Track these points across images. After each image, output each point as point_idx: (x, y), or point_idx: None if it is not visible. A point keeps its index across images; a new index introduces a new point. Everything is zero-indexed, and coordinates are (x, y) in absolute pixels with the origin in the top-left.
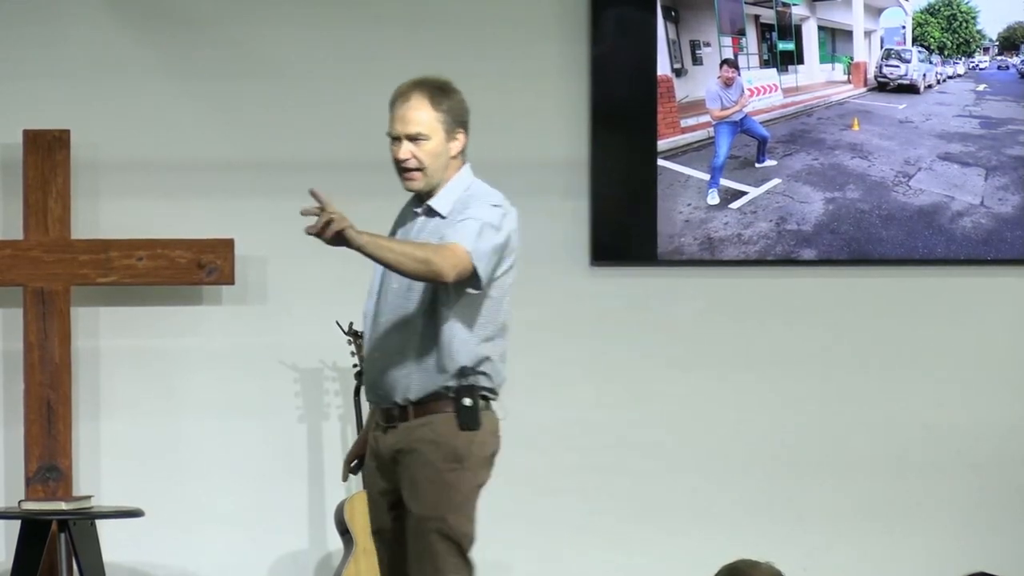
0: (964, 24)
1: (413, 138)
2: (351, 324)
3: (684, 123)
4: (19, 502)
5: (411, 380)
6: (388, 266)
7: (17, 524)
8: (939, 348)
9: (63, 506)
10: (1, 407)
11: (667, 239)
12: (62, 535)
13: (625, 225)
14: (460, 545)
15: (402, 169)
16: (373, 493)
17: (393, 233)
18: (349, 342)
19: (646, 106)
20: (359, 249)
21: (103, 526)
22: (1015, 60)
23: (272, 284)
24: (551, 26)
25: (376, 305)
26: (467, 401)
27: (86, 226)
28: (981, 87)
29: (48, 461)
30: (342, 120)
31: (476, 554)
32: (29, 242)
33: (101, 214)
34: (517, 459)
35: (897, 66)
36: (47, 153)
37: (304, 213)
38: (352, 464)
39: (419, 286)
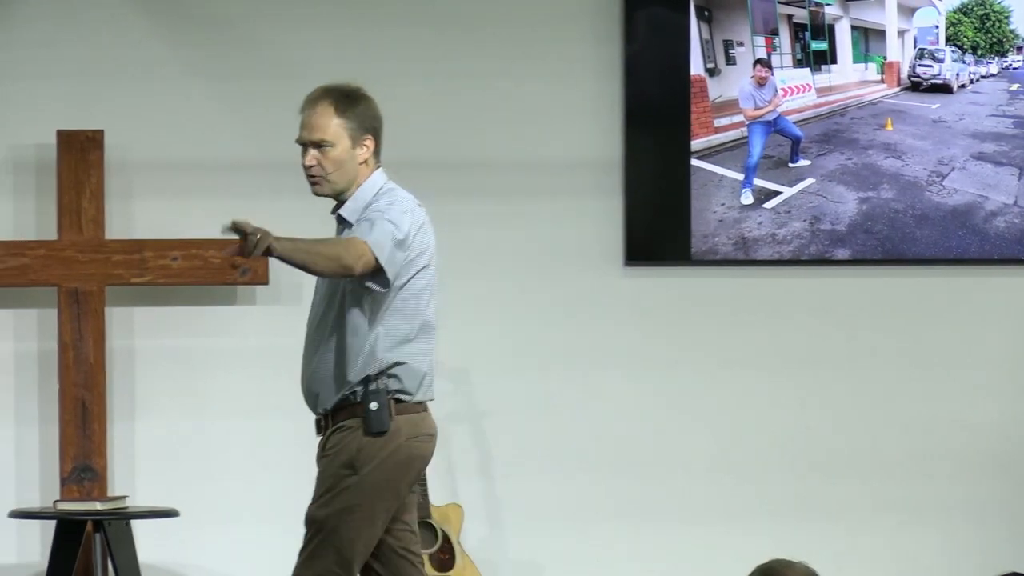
0: (997, 23)
1: (317, 145)
2: None
3: (717, 123)
4: (54, 502)
5: (326, 389)
6: (303, 268)
7: (52, 524)
8: (972, 347)
9: (98, 506)
10: (36, 407)
11: (701, 239)
12: (97, 535)
13: (659, 225)
14: (339, 548)
15: (309, 176)
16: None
17: None
18: None
19: (680, 106)
20: (279, 257)
21: (138, 526)
22: None
23: (306, 284)
24: (584, 26)
25: (311, 310)
26: (373, 406)
27: (120, 226)
28: (1015, 87)
29: (83, 461)
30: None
31: (511, 554)
32: (63, 242)
33: (135, 214)
34: (552, 458)
35: (930, 66)
36: (81, 153)
37: (225, 231)
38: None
39: (333, 296)
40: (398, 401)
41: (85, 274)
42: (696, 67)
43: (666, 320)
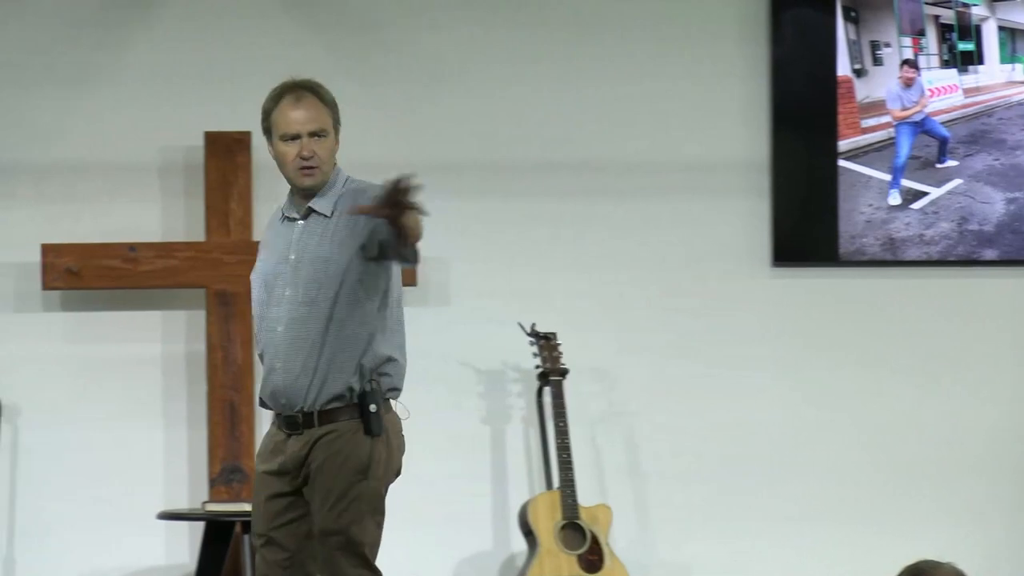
0: None
1: (315, 134)
2: (533, 325)
3: (864, 123)
4: (203, 503)
5: (314, 388)
6: (406, 236)
7: (201, 526)
8: None
9: (246, 507)
10: (184, 409)
11: (848, 240)
12: (246, 536)
13: (806, 226)
14: (363, 556)
15: (305, 166)
16: (263, 498)
17: (267, 246)
18: (531, 343)
19: (826, 107)
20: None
21: None
22: None
23: (454, 286)
24: (731, 27)
25: (266, 310)
26: (372, 407)
27: None
28: None
29: (231, 462)
30: (521, 122)
31: (660, 555)
32: (211, 244)
33: None
34: (700, 459)
35: None
36: (228, 155)
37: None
38: None
39: (320, 295)
40: (385, 400)
41: (233, 275)
42: (843, 68)
43: (813, 321)
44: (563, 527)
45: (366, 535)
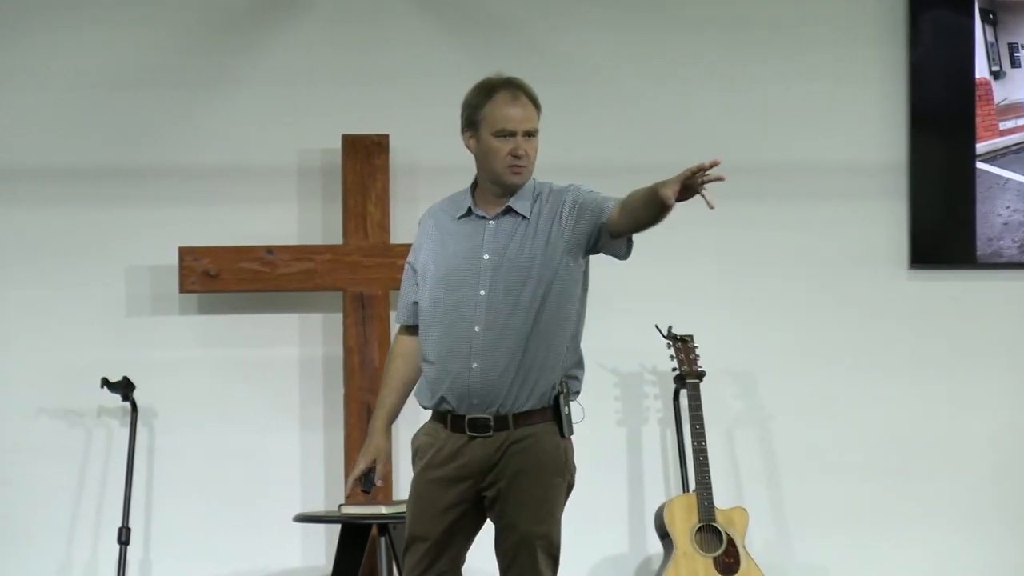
0: None
1: (529, 134)
2: (670, 328)
3: (1003, 125)
4: (339, 506)
5: (514, 388)
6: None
7: (337, 528)
8: None
9: (383, 510)
10: (321, 411)
11: (986, 242)
12: (382, 539)
13: (944, 228)
14: (556, 558)
15: (516, 164)
16: (435, 504)
17: (443, 243)
18: (669, 346)
19: (964, 109)
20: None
21: None
22: None
23: (592, 287)
24: (869, 29)
25: (452, 309)
26: (566, 410)
27: (405, 230)
28: None
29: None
30: (661, 124)
31: (796, 557)
32: (349, 247)
33: (419, 218)
34: (836, 461)
35: None
36: (366, 158)
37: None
38: (361, 478)
39: (524, 296)
40: (573, 401)
41: (370, 278)
42: (981, 70)
43: (951, 323)
44: (699, 529)
45: (559, 535)
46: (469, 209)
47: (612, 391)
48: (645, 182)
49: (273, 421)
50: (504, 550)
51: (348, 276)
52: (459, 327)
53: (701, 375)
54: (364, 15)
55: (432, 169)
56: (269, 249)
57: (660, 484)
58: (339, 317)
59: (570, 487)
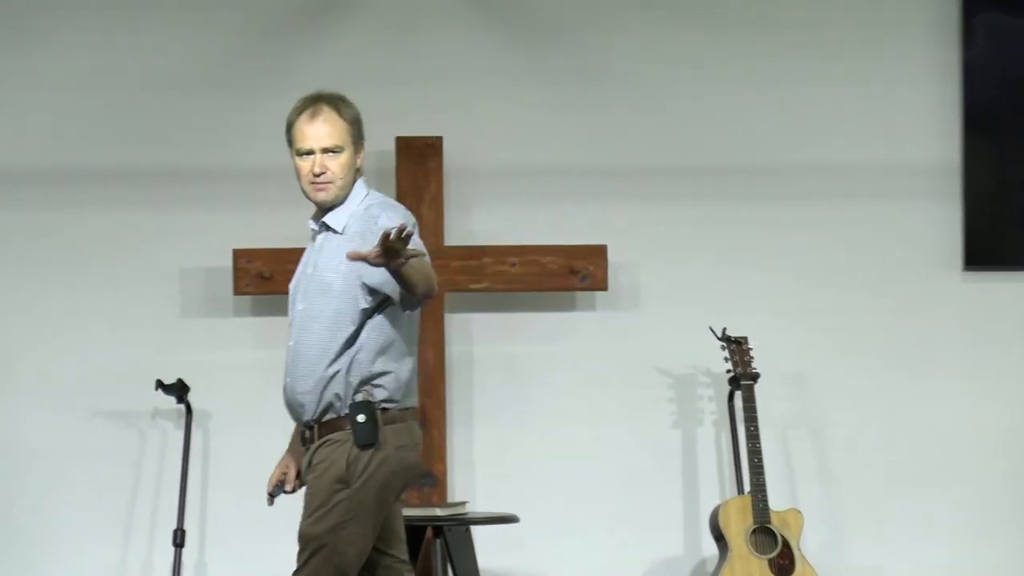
0: None
1: (329, 150)
2: (724, 329)
3: None
4: None
5: (311, 401)
6: (410, 280)
7: None
8: None
9: (438, 512)
10: None
11: None
12: (437, 541)
13: (998, 229)
14: (340, 567)
15: (316, 181)
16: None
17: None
18: (723, 347)
19: (1018, 110)
20: (402, 271)
21: (478, 532)
22: None
23: (645, 290)
24: (922, 31)
25: (290, 324)
26: (360, 418)
27: (458, 232)
28: None
29: (423, 467)
30: (712, 125)
31: (851, 559)
32: None
33: (473, 220)
34: (890, 463)
35: None
36: (420, 160)
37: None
38: (272, 489)
39: (322, 310)
40: (384, 411)
41: None
42: None
43: (1005, 325)
44: (754, 531)
45: (344, 544)
46: (312, 225)
47: (666, 393)
48: (693, 184)
49: None
50: None
51: None
52: (289, 340)
53: (755, 377)
54: (417, 17)
55: (485, 171)
56: None
57: (715, 486)
58: None
59: (366, 497)
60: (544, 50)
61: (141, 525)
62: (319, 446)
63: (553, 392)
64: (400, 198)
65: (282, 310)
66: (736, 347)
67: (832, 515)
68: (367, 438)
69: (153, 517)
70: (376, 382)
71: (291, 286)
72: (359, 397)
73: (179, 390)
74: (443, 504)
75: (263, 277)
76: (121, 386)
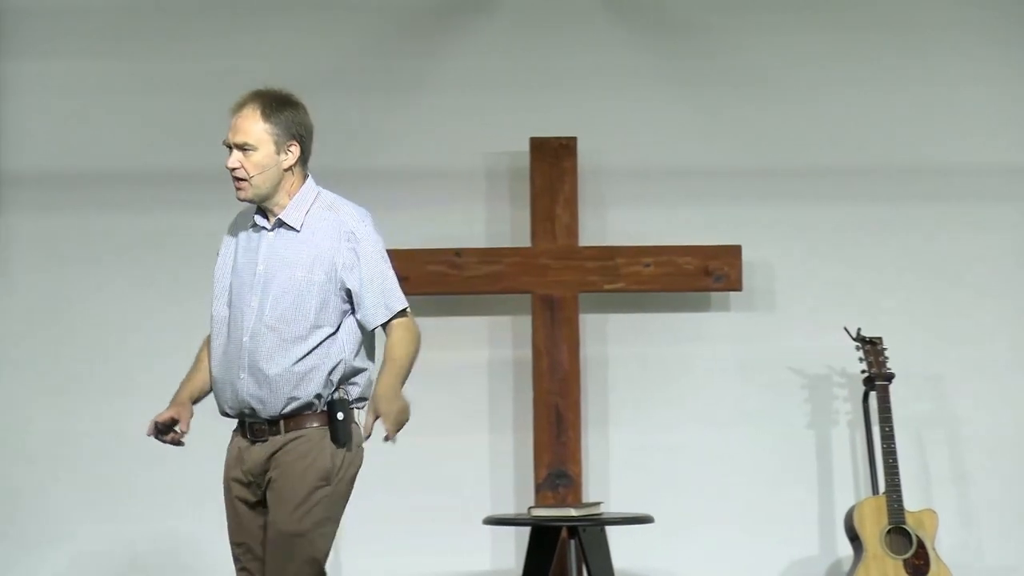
0: None
1: (241, 147)
2: (859, 330)
3: None
4: (529, 508)
5: (278, 395)
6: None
7: (527, 531)
8: None
9: (572, 512)
10: (511, 414)
11: None
12: (572, 541)
13: None
14: (320, 563)
15: (233, 179)
16: (239, 507)
17: (233, 250)
18: (857, 348)
19: None
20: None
21: (613, 532)
22: None
23: (779, 290)
24: None
25: (229, 318)
26: (340, 416)
27: (593, 233)
28: None
29: (557, 468)
30: (841, 126)
31: (986, 560)
32: (537, 249)
33: (607, 221)
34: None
35: None
36: (554, 161)
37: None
38: (155, 429)
39: (291, 307)
40: (351, 409)
41: (559, 281)
42: None
43: None
44: (889, 532)
45: (323, 541)
46: (253, 219)
47: (801, 393)
48: (826, 185)
49: (462, 424)
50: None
51: (536, 279)
52: (231, 336)
53: (890, 377)
54: (551, 18)
55: (619, 171)
56: (457, 252)
57: (850, 486)
58: (527, 319)
59: (341, 495)
60: (679, 50)
61: None
62: (288, 441)
63: (687, 392)
64: (534, 198)
65: (418, 311)
66: (871, 347)
67: (967, 515)
68: (344, 436)
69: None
70: (353, 380)
71: (223, 279)
72: (337, 395)
73: None
74: (578, 504)
75: (397, 277)
76: None
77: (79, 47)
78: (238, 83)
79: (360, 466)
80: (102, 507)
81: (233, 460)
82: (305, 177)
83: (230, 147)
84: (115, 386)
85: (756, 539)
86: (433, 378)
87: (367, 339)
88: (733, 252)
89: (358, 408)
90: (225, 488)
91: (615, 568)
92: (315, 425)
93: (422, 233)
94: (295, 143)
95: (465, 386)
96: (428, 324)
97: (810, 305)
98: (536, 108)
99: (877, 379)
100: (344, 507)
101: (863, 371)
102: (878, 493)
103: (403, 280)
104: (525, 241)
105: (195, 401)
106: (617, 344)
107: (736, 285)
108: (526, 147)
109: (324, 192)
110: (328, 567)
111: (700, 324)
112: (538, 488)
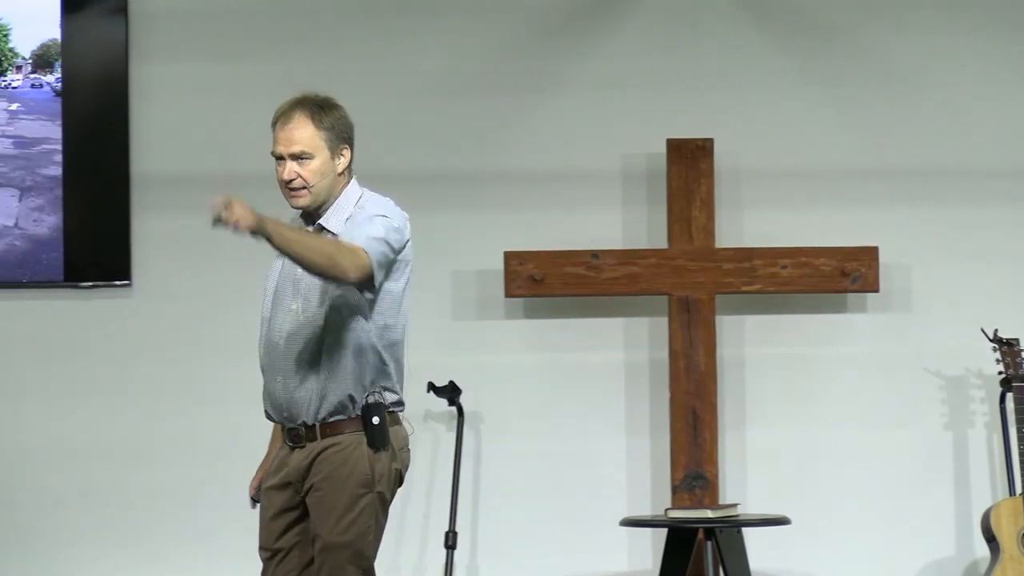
0: None
1: (297, 157)
2: (996, 331)
3: None
4: (665, 510)
5: (316, 399)
6: (292, 257)
7: (663, 532)
8: None
9: (709, 514)
10: (647, 415)
11: None
12: (708, 543)
13: None
14: (369, 570)
15: (288, 188)
16: (270, 513)
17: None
18: (994, 349)
19: None
20: (265, 236)
21: (749, 534)
22: (49, 78)
23: (916, 291)
24: None
25: (272, 322)
26: (375, 420)
27: (729, 234)
28: (14, 106)
29: (694, 469)
30: (980, 127)
31: None
32: (674, 251)
33: (744, 222)
34: None
35: None
36: (691, 162)
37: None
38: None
39: (319, 309)
40: (390, 413)
41: (695, 282)
42: None
43: None
44: None
45: (370, 548)
46: (301, 224)
47: (938, 395)
48: (966, 185)
49: (599, 425)
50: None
51: (673, 280)
52: (272, 340)
53: None
54: (687, 19)
55: (756, 172)
56: (594, 253)
57: (986, 488)
58: (664, 321)
59: (384, 500)
60: (816, 51)
61: (413, 527)
62: (325, 449)
63: (824, 394)
64: (671, 200)
65: (555, 312)
66: (1008, 349)
67: None
68: (382, 441)
69: (425, 519)
70: (385, 384)
71: (270, 284)
72: (371, 399)
73: (451, 392)
74: (715, 506)
75: (534, 279)
76: None
77: (209, 49)
78: (369, 85)
79: (407, 466)
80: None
81: (275, 468)
82: (350, 180)
83: (280, 157)
84: (245, 388)
85: (893, 540)
86: (569, 379)
87: (398, 341)
88: (870, 253)
89: (391, 413)
90: (262, 495)
91: (752, 569)
92: (351, 431)
93: (559, 235)
94: (347, 146)
95: (602, 388)
96: (565, 326)
97: (947, 306)
98: (673, 109)
99: (1014, 380)
100: (388, 510)
101: (1000, 372)
102: (1015, 494)
103: (540, 282)
104: (662, 243)
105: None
106: (754, 345)
107: (873, 286)
108: (663, 148)
109: (367, 192)
110: (466, 569)
111: (837, 325)
112: (675, 490)
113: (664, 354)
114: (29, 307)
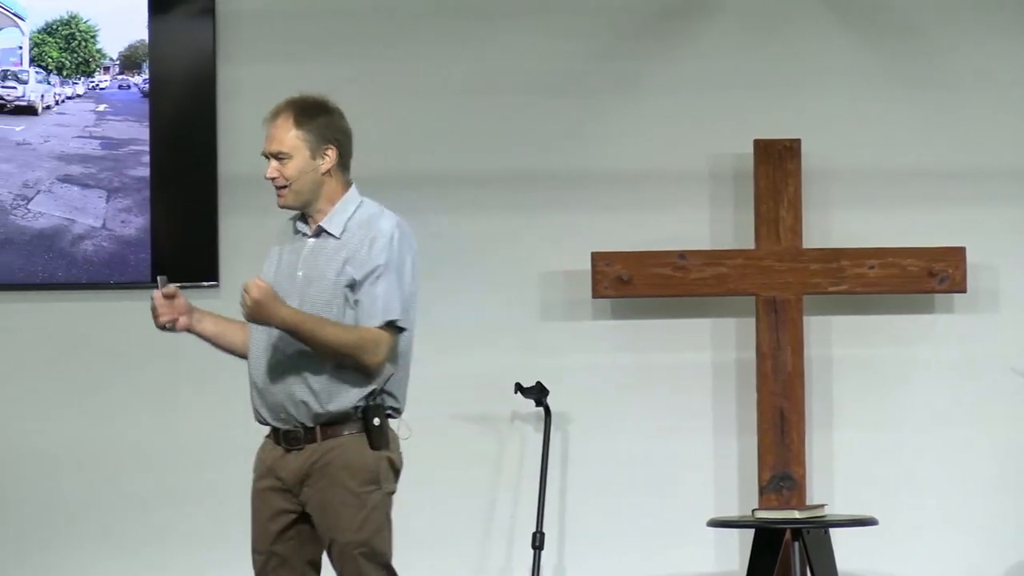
0: (84, 43)
1: (276, 156)
2: None
3: None
4: (752, 511)
5: (318, 402)
6: (315, 349)
7: (751, 533)
8: None
9: (796, 515)
10: (734, 416)
11: None
12: (795, 543)
13: None
14: (388, 565)
15: (275, 187)
16: (265, 516)
17: (278, 255)
18: None
19: None
20: (281, 326)
21: (837, 535)
22: (137, 80)
23: (1004, 292)
24: None
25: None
26: (376, 421)
27: (817, 235)
28: (102, 107)
29: (781, 470)
30: None
31: None
32: (761, 251)
33: (831, 223)
34: None
35: (14, 87)
36: (778, 162)
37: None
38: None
39: (324, 314)
40: (389, 416)
41: (783, 283)
42: None
43: None
44: None
45: (386, 544)
46: (296, 226)
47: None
48: None
49: (686, 426)
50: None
51: (760, 281)
52: (269, 342)
53: None
54: (774, 19)
55: (844, 173)
56: (681, 254)
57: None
58: (751, 322)
59: (390, 497)
60: (903, 51)
61: (500, 527)
62: (327, 452)
63: (912, 394)
64: (758, 200)
65: (642, 313)
66: None
67: None
68: (381, 442)
69: (512, 519)
70: (388, 388)
71: (266, 277)
72: (375, 401)
73: (538, 393)
74: (802, 507)
75: (622, 280)
76: (481, 389)
77: (296, 50)
78: (455, 86)
79: (402, 466)
80: None
81: (266, 470)
82: (348, 184)
83: (267, 157)
84: None
85: (978, 542)
86: (656, 380)
87: (405, 347)
88: (958, 254)
89: (391, 416)
90: (253, 497)
91: (839, 570)
92: (352, 432)
93: (646, 235)
94: (331, 147)
95: (689, 388)
96: (651, 326)
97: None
98: (760, 110)
99: None
100: (391, 504)
101: None
102: None
103: (627, 282)
104: (749, 243)
105: (204, 334)
106: (842, 346)
107: (961, 287)
108: (750, 149)
109: (367, 201)
110: (553, 570)
111: (924, 326)
112: (762, 490)
113: (751, 355)
114: (117, 308)
